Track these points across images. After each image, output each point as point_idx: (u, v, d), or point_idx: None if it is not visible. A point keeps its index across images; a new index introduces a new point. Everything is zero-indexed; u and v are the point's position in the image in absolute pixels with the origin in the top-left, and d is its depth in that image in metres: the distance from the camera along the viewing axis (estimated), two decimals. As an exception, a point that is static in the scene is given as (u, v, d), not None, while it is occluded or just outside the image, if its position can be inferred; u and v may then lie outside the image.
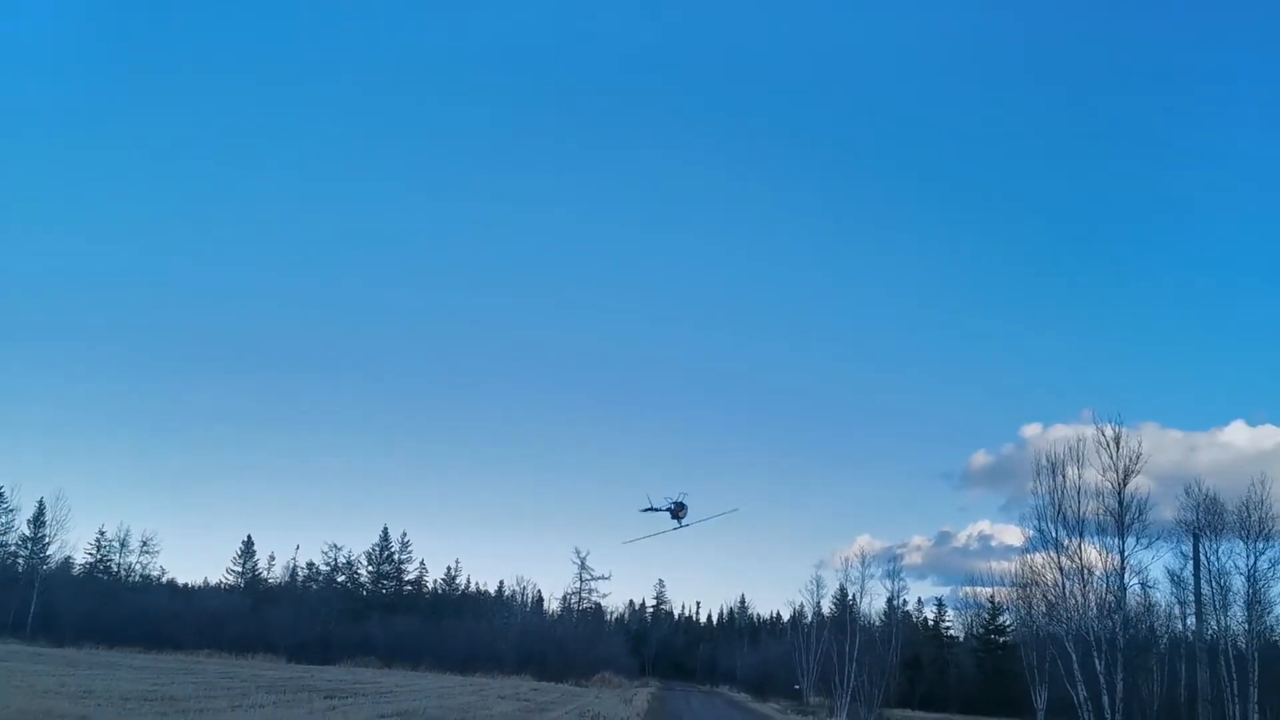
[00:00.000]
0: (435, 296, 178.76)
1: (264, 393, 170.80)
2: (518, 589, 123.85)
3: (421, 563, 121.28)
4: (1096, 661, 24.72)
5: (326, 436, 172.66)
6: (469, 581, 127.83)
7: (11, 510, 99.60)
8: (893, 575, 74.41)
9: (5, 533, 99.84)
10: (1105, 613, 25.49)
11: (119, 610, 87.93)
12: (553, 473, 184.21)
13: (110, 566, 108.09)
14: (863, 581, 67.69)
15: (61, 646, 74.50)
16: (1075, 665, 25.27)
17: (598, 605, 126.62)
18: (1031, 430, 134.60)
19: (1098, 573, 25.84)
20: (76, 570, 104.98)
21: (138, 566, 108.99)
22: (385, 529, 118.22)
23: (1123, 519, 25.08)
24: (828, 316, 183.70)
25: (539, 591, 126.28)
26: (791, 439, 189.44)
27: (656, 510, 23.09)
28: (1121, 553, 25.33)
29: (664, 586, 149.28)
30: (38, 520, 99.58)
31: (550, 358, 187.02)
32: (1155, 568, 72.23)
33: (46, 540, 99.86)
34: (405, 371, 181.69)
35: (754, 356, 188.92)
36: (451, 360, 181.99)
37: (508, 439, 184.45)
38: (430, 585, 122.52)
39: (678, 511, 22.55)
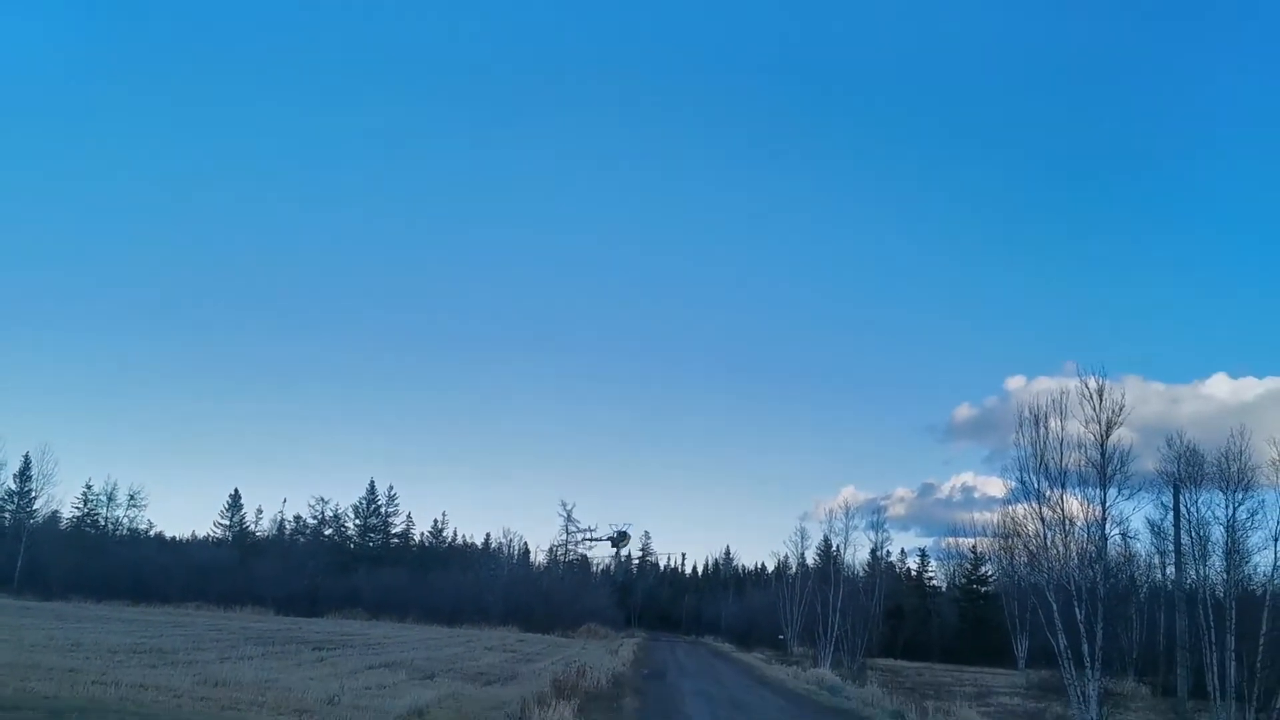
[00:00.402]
0: (420, 248, 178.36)
1: (248, 345, 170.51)
2: (504, 541, 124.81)
3: (408, 516, 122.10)
4: (1077, 610, 24.96)
5: (312, 390, 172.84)
6: (456, 534, 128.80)
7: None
8: (876, 527, 74.96)
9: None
10: (1086, 563, 25.71)
11: (107, 564, 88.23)
12: (538, 425, 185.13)
13: (97, 520, 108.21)
14: (846, 533, 68.09)
15: (49, 600, 74.78)
16: (1056, 614, 25.53)
17: (584, 557, 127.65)
18: (1015, 383, 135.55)
19: (1079, 524, 26.04)
20: (64, 524, 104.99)
21: (125, 520, 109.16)
22: (372, 482, 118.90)
23: (1104, 470, 25.22)
24: (811, 268, 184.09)
25: (525, 544, 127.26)
26: (776, 390, 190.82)
27: (598, 540, 23.51)
28: (1103, 504, 25.48)
29: (649, 539, 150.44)
30: (23, 474, 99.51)
31: (532, 309, 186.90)
32: (1136, 518, 73.10)
33: (33, 494, 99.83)
34: (391, 325, 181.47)
35: (738, 306, 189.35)
36: (436, 314, 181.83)
37: (493, 392, 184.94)
38: (417, 538, 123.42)
39: (619, 540, 22.99)
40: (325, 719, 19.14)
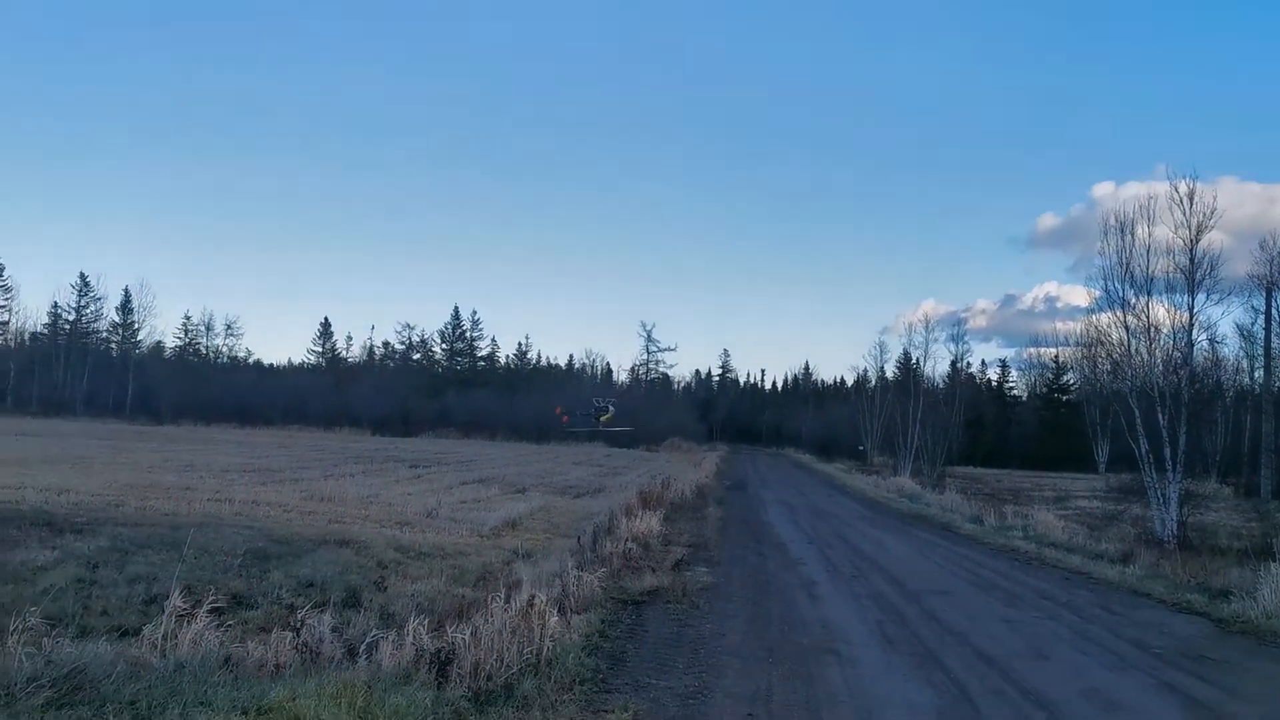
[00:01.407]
0: (500, 68, 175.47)
1: (332, 173, 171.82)
2: (587, 361, 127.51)
3: (493, 339, 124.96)
4: (1160, 416, 24.82)
5: (394, 216, 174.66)
6: (540, 356, 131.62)
7: (99, 299, 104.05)
8: (956, 339, 74.70)
9: (96, 319, 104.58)
10: (1171, 369, 25.36)
11: (211, 390, 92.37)
12: (617, 245, 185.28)
13: (199, 349, 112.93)
14: (926, 345, 68.13)
15: (161, 424, 78.98)
16: (1138, 420, 25.44)
17: (665, 375, 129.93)
18: (1103, 189, 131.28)
19: (1165, 330, 25.54)
20: (167, 354, 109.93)
21: (224, 348, 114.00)
22: (456, 308, 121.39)
23: (1193, 276, 24.53)
24: (890, 70, 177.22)
25: (607, 364, 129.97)
26: (856, 203, 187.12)
27: (581, 414, 23.78)
28: (1190, 309, 24.90)
29: (729, 356, 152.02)
30: (125, 307, 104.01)
31: (610, 126, 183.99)
32: (1224, 323, 71.88)
33: (135, 326, 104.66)
34: (469, 148, 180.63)
35: (819, 115, 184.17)
36: (513, 137, 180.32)
37: (572, 213, 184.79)
38: (503, 360, 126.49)
39: (599, 414, 23.29)
40: (424, 531, 20.24)
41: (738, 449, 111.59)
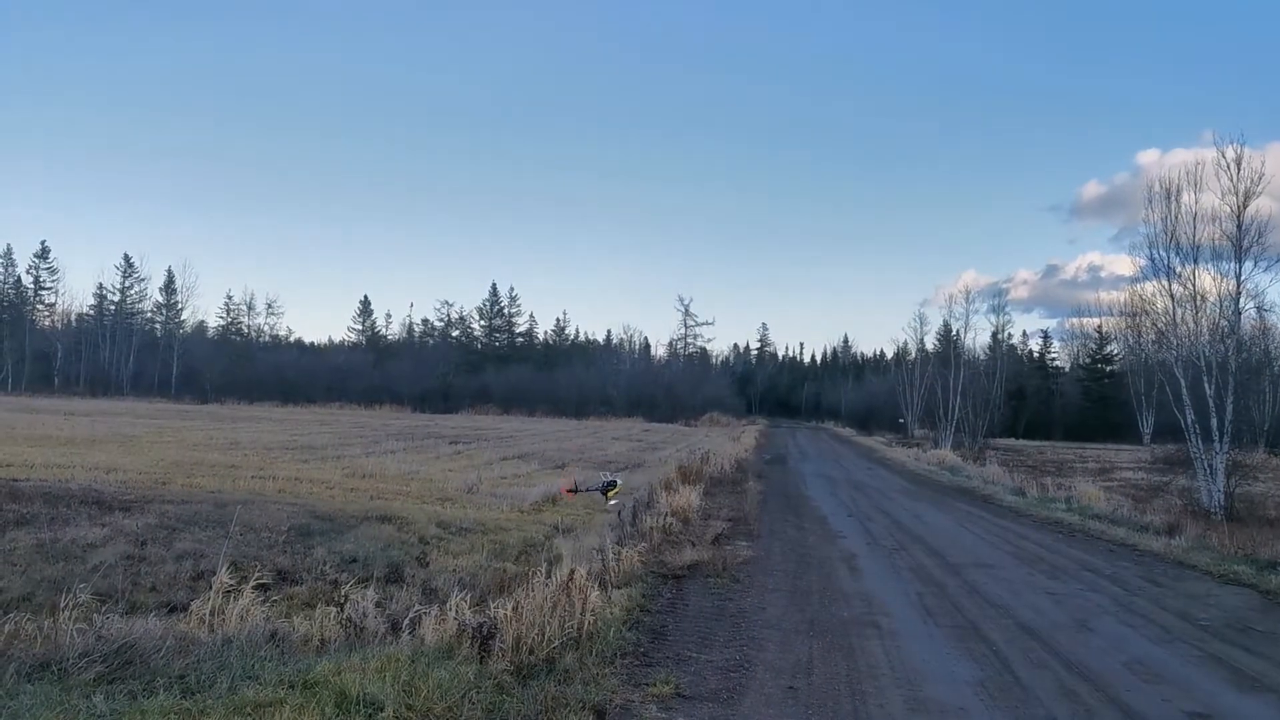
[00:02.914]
0: (535, 43, 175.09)
1: (370, 152, 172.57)
2: (625, 337, 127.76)
3: (530, 315, 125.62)
4: (1206, 386, 24.45)
5: (432, 194, 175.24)
6: (578, 331, 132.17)
7: (143, 279, 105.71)
8: (998, 310, 73.24)
9: (140, 300, 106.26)
10: (1218, 338, 24.96)
11: (254, 368, 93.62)
12: (655, 220, 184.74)
13: (241, 328, 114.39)
14: (967, 317, 67.16)
15: (205, 403, 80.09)
16: (1184, 390, 25.07)
17: (703, 350, 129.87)
18: (1148, 157, 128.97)
19: (1211, 299, 25.10)
20: (210, 333, 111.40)
21: (266, 327, 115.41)
22: (494, 285, 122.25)
23: (1240, 243, 24.07)
24: (928, 37, 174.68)
25: (645, 339, 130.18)
26: (895, 172, 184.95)
27: (587, 491, 23.74)
28: (1238, 277, 24.44)
29: (767, 329, 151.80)
30: (168, 288, 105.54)
31: (647, 102, 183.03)
32: (1273, 291, 70.60)
33: (179, 306, 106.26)
34: (506, 125, 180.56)
35: (857, 86, 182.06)
36: (549, 114, 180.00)
37: (609, 189, 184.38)
38: (541, 336, 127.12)
39: (607, 490, 23.26)
40: (465, 506, 20.40)
41: (776, 423, 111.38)
